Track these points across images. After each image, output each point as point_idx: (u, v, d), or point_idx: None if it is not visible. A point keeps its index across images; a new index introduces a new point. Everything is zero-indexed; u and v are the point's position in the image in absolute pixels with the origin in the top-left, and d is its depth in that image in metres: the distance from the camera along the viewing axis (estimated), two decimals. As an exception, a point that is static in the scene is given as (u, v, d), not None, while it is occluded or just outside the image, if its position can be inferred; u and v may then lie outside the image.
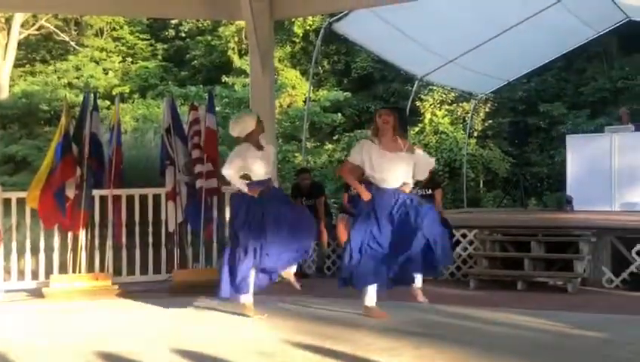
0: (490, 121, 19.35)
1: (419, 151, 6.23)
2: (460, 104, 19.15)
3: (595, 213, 10.80)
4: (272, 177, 6.65)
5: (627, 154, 11.67)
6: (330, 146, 19.86)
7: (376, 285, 5.96)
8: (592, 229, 8.33)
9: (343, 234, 9.11)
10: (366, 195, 5.97)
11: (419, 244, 5.76)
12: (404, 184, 6.04)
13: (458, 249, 8.84)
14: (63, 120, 8.27)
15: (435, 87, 18.53)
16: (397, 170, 6.01)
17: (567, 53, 15.11)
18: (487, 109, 19.20)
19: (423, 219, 5.79)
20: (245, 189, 6.19)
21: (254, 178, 6.23)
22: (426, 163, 6.24)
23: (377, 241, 5.89)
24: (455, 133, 18.74)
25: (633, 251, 7.97)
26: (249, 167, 6.22)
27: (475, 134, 19.21)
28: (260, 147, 6.29)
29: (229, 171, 6.21)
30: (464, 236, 8.88)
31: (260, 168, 6.24)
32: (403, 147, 6.05)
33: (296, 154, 17.70)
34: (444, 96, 19.33)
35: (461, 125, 19.00)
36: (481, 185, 19.37)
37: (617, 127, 12.30)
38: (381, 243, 5.89)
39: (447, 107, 19.60)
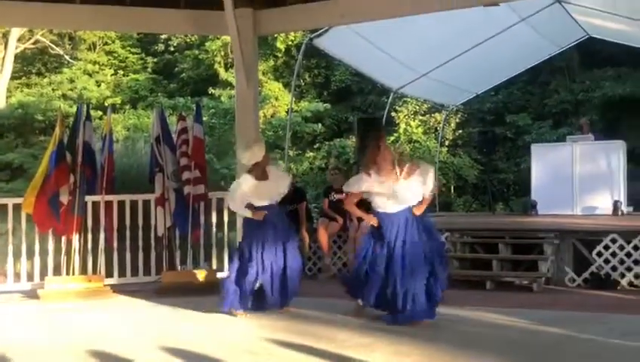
0: (461, 131, 19.45)
1: (418, 172, 5.90)
2: (433, 115, 19.24)
3: (557, 216, 10.88)
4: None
5: (587, 162, 11.76)
6: (311, 154, 19.87)
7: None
8: (555, 232, 8.38)
9: (323, 237, 9.12)
10: (374, 221, 5.94)
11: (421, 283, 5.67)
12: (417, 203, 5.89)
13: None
14: (58, 129, 8.23)
15: (409, 99, 18.59)
16: (404, 199, 5.84)
17: (532, 67, 15.21)
18: (457, 120, 19.31)
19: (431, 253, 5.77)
20: (249, 215, 6.36)
21: (256, 205, 6.37)
22: (425, 185, 5.89)
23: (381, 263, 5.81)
24: (428, 142, 18.83)
25: (593, 252, 8.04)
26: (248, 197, 6.36)
27: (447, 143, 19.30)
28: (263, 177, 6.38)
29: (234, 206, 6.56)
30: (436, 239, 8.88)
31: (258, 197, 6.35)
32: (401, 173, 5.83)
33: (280, 162, 17.65)
34: (417, 107, 19.41)
35: (433, 135, 19.08)
36: (452, 191, 19.44)
37: (578, 137, 12.39)
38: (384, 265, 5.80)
39: (420, 118, 19.68)
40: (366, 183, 5.89)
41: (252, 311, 6.30)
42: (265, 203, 6.41)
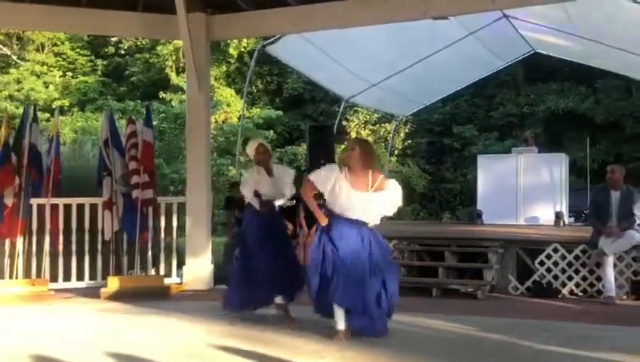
0: (410, 141, 19.71)
1: (390, 188, 5.52)
2: (383, 125, 19.44)
3: (502, 226, 11.07)
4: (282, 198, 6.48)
5: (531, 174, 12.01)
6: (262, 161, 19.79)
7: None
8: (499, 241, 8.53)
9: None
10: (325, 222, 5.46)
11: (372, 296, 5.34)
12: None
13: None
14: (3, 130, 8.06)
15: (360, 109, 18.75)
16: (366, 212, 5.42)
17: (478, 80, 15.46)
18: (407, 130, 19.56)
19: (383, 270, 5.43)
20: (255, 204, 6.31)
21: (263, 197, 6.31)
22: (392, 203, 5.53)
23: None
24: (378, 152, 18.99)
25: (536, 261, 8.21)
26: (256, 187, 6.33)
27: (396, 152, 19.51)
28: (268, 171, 6.37)
29: (245, 191, 6.43)
30: (384, 246, 8.94)
31: (263, 188, 6.31)
32: (373, 184, 5.41)
33: (230, 168, 17.57)
34: (368, 116, 19.60)
35: (383, 144, 19.25)
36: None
37: (523, 149, 12.64)
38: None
39: (371, 127, 19.86)
40: (336, 177, 5.40)
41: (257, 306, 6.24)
42: (267, 197, 6.32)
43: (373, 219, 5.47)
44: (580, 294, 7.98)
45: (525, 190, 11.95)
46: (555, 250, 8.15)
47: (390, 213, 5.57)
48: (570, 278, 8.04)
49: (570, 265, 8.06)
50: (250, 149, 6.53)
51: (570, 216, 12.04)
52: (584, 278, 7.99)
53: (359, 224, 5.42)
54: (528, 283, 8.24)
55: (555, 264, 8.12)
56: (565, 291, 8.03)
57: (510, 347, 5.20)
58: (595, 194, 8.14)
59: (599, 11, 8.86)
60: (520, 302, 7.70)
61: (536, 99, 19.05)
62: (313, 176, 5.54)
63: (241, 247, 6.45)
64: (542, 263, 8.18)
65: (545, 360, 4.85)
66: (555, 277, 8.09)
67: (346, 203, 5.36)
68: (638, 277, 7.77)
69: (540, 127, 17.88)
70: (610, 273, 7.45)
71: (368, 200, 5.39)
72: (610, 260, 7.47)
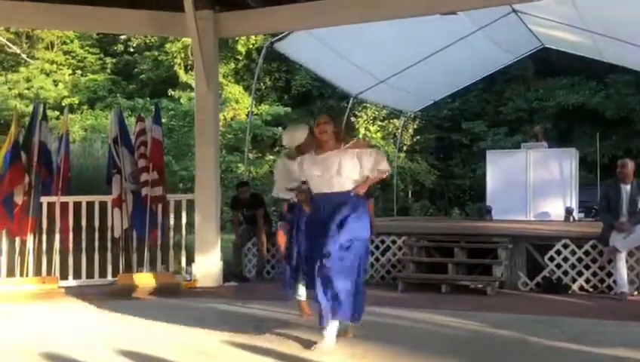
0: (418, 137, 19.66)
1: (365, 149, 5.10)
2: (391, 121, 19.39)
3: (511, 222, 11.03)
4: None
5: (541, 169, 11.98)
6: (271, 157, 19.82)
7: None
8: (509, 237, 8.50)
9: (282, 241, 9.07)
10: (307, 208, 5.20)
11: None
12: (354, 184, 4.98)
13: (388, 254, 8.91)
14: (13, 129, 8.09)
15: (368, 105, 18.72)
16: (326, 172, 4.96)
17: (488, 75, 15.43)
18: (415, 126, 19.51)
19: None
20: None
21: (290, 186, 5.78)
22: (369, 160, 5.00)
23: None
24: (386, 148, 18.97)
25: (546, 257, 8.17)
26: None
27: (405, 148, 19.47)
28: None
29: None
30: (394, 242, 8.95)
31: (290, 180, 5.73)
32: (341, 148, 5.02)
33: (239, 165, 17.60)
34: (376, 113, 19.56)
35: (392, 140, 19.22)
36: (410, 196, 19.61)
37: (532, 144, 12.60)
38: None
39: (379, 123, 19.82)
40: (298, 165, 5.19)
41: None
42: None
43: (340, 184, 4.93)
44: (591, 290, 7.94)
45: (535, 185, 11.92)
46: (565, 246, 8.11)
47: (367, 171, 4.99)
48: (580, 274, 8.00)
49: (580, 260, 8.02)
50: (299, 136, 5.72)
51: (580, 212, 11.99)
52: (594, 274, 7.95)
53: (332, 199, 4.92)
54: (538, 279, 8.20)
55: (565, 260, 8.08)
56: (575, 287, 7.99)
57: (520, 343, 5.18)
58: (606, 189, 8.09)
59: (609, 6, 8.80)
60: (530, 298, 7.67)
61: (545, 94, 18.96)
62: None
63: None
64: (552, 259, 8.14)
65: (555, 357, 4.83)
66: (565, 273, 8.05)
67: (309, 175, 5.04)
68: (649, 272, 7.73)
69: (549, 122, 17.81)
70: (622, 269, 7.41)
71: (323, 160, 4.98)
72: (622, 256, 7.43)
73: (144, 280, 7.96)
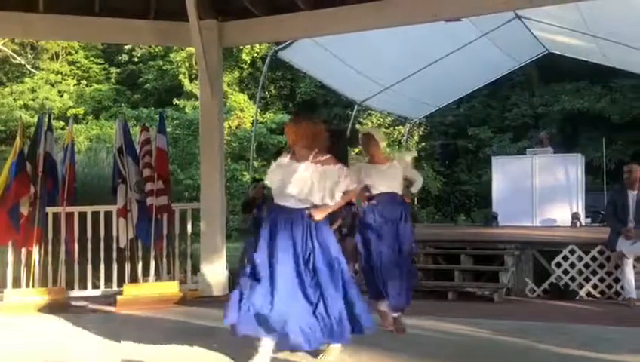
0: (424, 144, 19.64)
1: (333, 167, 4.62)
2: (396, 127, 19.39)
3: (518, 228, 11.02)
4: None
5: (546, 175, 11.95)
6: (276, 165, 19.83)
7: None
8: (515, 243, 8.49)
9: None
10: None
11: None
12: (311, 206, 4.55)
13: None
14: (18, 139, 8.12)
15: (373, 112, 18.71)
16: (286, 185, 4.55)
17: (492, 81, 15.42)
18: (420, 132, 19.50)
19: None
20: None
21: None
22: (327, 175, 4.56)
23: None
24: (392, 155, 18.93)
25: (553, 263, 8.15)
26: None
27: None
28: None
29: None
30: (399, 250, 8.92)
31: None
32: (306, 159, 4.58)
33: (244, 173, 17.62)
34: (381, 120, 19.54)
35: (397, 146, 19.21)
36: (416, 202, 19.58)
37: (538, 150, 12.58)
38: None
39: (384, 130, 19.77)
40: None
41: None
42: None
43: (300, 193, 4.51)
44: (598, 296, 7.92)
45: (541, 191, 11.89)
46: (572, 252, 8.09)
47: (336, 191, 4.56)
48: (587, 280, 7.97)
49: (587, 266, 8.00)
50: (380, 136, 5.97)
51: (586, 217, 11.95)
52: (602, 280, 7.92)
53: (293, 218, 4.55)
54: (545, 285, 8.18)
55: (572, 266, 8.05)
56: (582, 293, 7.96)
57: (528, 350, 5.16)
58: (613, 195, 8.07)
59: (612, 11, 8.80)
60: (537, 305, 7.65)
61: (550, 100, 18.93)
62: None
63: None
64: (559, 265, 8.12)
65: (563, 364, 4.81)
66: (572, 279, 8.03)
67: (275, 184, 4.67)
68: (657, 278, 7.69)
69: (555, 128, 17.76)
70: (629, 274, 7.39)
71: (290, 170, 4.57)
72: (629, 261, 7.41)
73: (150, 289, 7.94)
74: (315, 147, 4.65)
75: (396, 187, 5.81)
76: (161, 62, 22.88)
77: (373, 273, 5.72)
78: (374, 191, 5.71)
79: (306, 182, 4.52)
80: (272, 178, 4.75)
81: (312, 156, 4.58)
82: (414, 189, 6.10)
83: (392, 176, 5.81)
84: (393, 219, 5.72)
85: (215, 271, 8.28)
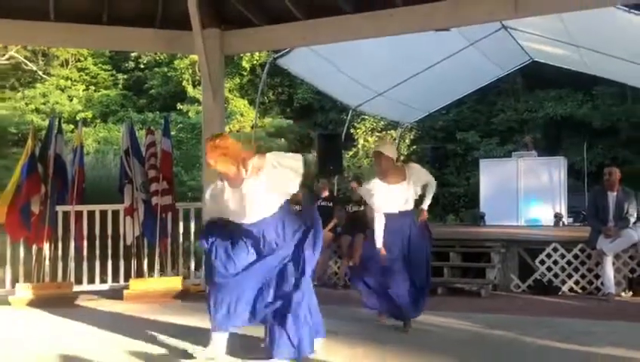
0: (415, 147, 19.64)
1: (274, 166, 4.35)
2: (389, 131, 19.39)
3: (504, 227, 11.04)
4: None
5: (531, 177, 11.98)
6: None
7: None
8: (501, 241, 8.50)
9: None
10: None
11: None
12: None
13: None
14: (30, 142, 8.10)
15: (366, 117, 18.71)
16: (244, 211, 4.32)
17: (480, 88, 15.41)
18: (412, 136, 19.50)
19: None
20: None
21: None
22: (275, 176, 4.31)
23: None
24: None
25: (537, 260, 8.17)
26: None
27: (402, 158, 19.44)
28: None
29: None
30: (392, 247, 8.92)
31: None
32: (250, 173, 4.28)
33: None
34: (374, 124, 19.56)
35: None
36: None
37: (523, 153, 12.60)
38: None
39: (377, 134, 19.81)
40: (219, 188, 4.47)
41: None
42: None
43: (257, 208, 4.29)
44: (580, 291, 7.94)
45: (525, 192, 11.92)
46: (555, 249, 8.10)
47: (287, 187, 4.37)
48: (569, 276, 7.99)
49: (569, 263, 8.02)
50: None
51: (569, 217, 11.97)
52: (583, 276, 7.94)
53: (256, 227, 4.37)
54: (529, 281, 8.19)
55: (555, 263, 8.07)
56: (565, 288, 7.98)
57: (513, 342, 5.17)
58: (594, 196, 8.09)
59: (595, 21, 8.81)
60: (522, 300, 7.67)
61: (535, 106, 18.96)
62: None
63: None
64: (542, 262, 8.14)
65: (547, 355, 4.82)
66: (556, 276, 8.04)
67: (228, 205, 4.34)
68: (635, 274, 7.72)
69: (539, 133, 17.78)
70: (609, 271, 7.41)
71: (247, 190, 4.26)
72: (609, 259, 7.42)
73: (155, 284, 7.95)
74: (238, 161, 4.30)
75: (409, 206, 5.68)
76: (165, 69, 22.86)
77: (374, 285, 5.67)
78: (385, 211, 5.49)
79: (260, 199, 4.29)
80: (214, 207, 4.54)
81: (244, 172, 4.27)
82: (429, 194, 5.89)
83: (404, 196, 5.61)
84: (402, 235, 5.62)
85: (217, 267, 8.25)
